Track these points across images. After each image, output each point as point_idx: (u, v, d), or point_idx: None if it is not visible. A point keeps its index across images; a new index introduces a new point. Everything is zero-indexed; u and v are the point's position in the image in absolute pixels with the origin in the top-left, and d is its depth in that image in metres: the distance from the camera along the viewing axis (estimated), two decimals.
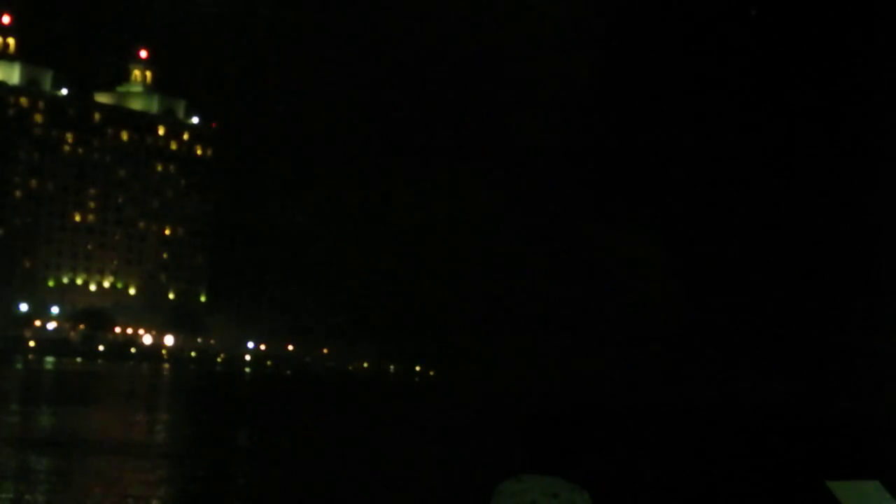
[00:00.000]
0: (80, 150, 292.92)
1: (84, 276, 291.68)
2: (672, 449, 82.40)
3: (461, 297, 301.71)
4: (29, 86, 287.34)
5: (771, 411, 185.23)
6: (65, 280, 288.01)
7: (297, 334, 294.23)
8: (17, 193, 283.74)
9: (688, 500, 50.67)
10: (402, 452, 64.04)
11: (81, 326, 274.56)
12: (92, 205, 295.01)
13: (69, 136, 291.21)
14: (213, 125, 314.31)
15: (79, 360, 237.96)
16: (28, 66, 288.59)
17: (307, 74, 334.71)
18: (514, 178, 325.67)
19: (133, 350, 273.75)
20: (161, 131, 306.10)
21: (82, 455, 53.21)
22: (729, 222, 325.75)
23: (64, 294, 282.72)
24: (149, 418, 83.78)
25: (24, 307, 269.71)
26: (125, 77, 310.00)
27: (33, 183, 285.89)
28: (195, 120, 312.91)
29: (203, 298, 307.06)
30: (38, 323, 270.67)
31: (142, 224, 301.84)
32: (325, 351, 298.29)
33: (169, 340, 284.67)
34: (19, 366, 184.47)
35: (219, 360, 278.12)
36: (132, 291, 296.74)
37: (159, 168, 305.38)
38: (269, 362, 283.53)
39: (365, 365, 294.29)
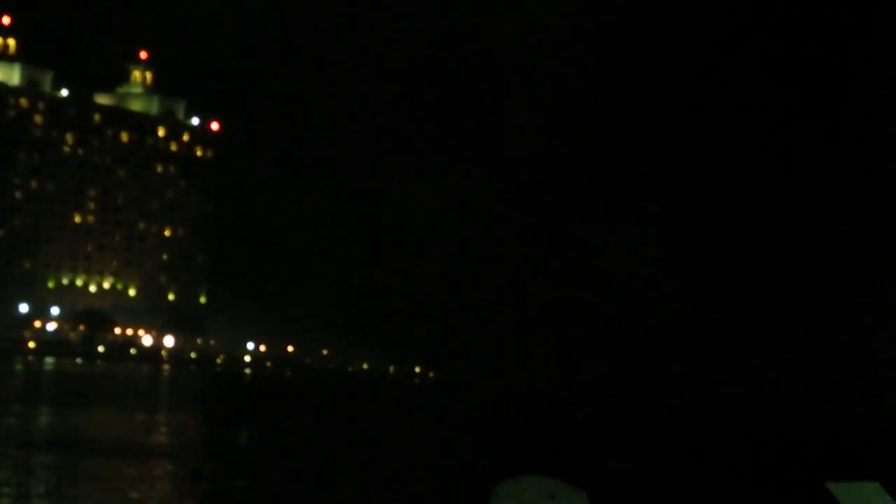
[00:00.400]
0: (80, 151, 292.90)
1: (84, 276, 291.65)
2: (671, 449, 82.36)
3: (461, 298, 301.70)
4: (29, 86, 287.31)
5: (770, 411, 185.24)
6: (65, 281, 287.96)
7: (297, 335, 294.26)
8: (18, 194, 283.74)
9: (687, 501, 50.65)
10: (402, 453, 64.01)
11: (81, 327, 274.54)
12: (92, 206, 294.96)
13: (69, 137, 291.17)
14: (213, 125, 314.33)
15: (78, 361, 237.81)
16: (28, 67, 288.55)
17: (306, 75, 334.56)
18: (513, 178, 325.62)
19: (133, 351, 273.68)
20: (161, 132, 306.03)
21: (81, 455, 53.19)
22: (729, 222, 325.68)
23: (64, 295, 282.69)
24: (149, 419, 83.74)
25: (24, 308, 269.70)
26: (125, 78, 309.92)
27: (33, 184, 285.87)
28: (195, 121, 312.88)
29: (203, 299, 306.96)
30: (37, 324, 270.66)
31: (142, 225, 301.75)
32: (325, 352, 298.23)
33: (169, 341, 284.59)
34: (19, 367, 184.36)
35: (219, 360, 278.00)
36: (132, 292, 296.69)
37: (159, 169, 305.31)
38: (268, 363, 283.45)
39: (365, 366, 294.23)
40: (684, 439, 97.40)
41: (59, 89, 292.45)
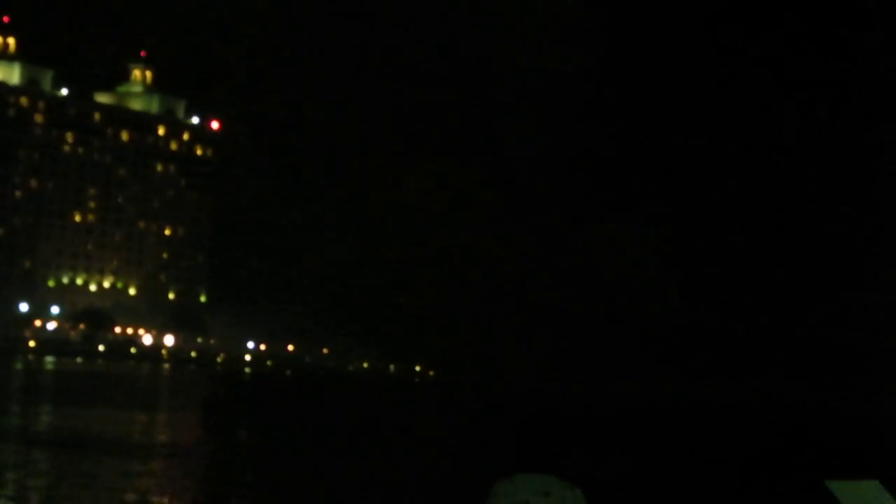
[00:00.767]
0: (80, 150, 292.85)
1: (84, 276, 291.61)
2: (671, 448, 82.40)
3: (461, 298, 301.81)
4: (29, 86, 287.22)
5: (771, 411, 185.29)
6: (65, 280, 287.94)
7: (297, 334, 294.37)
8: (18, 193, 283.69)
9: (687, 500, 50.67)
10: (401, 453, 64.05)
11: (81, 326, 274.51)
12: (92, 205, 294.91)
13: (69, 136, 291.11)
14: (213, 125, 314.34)
15: (79, 360, 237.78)
16: (28, 66, 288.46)
17: (306, 75, 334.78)
18: (512, 179, 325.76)
19: (133, 350, 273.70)
20: (161, 131, 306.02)
21: (82, 455, 53.21)
22: (728, 222, 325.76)
23: (64, 294, 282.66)
24: (149, 418, 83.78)
25: (24, 307, 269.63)
26: (125, 77, 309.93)
27: (33, 183, 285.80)
28: (195, 120, 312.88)
29: (203, 298, 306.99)
30: (38, 323, 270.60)
31: (142, 224, 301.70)
32: (325, 351, 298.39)
33: (169, 340, 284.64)
34: (19, 366, 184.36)
35: (219, 360, 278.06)
36: (132, 291, 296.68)
37: (159, 168, 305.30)
38: (269, 362, 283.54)
39: (365, 365, 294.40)
40: (684, 438, 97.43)
41: (59, 88, 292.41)
